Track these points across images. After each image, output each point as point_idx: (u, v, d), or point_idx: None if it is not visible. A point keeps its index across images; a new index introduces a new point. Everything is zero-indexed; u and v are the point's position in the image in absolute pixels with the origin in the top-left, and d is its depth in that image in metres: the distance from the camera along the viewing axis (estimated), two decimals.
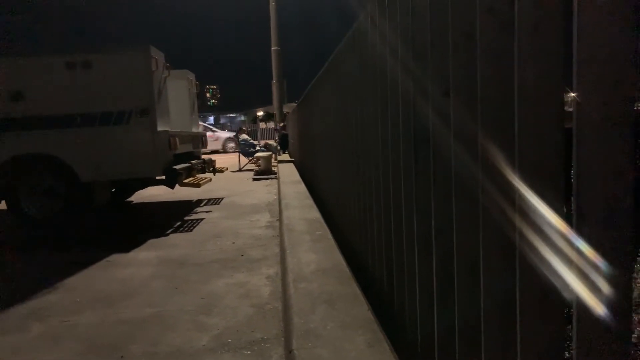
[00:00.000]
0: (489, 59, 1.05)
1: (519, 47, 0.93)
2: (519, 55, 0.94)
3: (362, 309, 2.05)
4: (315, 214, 4.52)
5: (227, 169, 9.56)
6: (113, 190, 6.94)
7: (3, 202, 6.16)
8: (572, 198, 0.81)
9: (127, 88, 5.81)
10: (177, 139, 6.30)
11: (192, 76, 8.37)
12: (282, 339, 2.46)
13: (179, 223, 6.01)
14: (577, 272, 0.82)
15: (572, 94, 0.81)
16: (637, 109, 0.82)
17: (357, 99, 2.54)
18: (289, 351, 1.82)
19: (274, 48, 16.63)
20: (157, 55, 6.07)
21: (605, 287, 0.78)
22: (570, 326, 0.84)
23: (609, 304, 0.78)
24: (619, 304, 0.78)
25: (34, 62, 5.81)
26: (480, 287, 1.11)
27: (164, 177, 6.16)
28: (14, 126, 5.74)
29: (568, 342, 0.88)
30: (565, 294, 0.87)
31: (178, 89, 7.73)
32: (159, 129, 5.89)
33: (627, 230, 0.77)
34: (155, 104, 5.84)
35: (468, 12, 1.11)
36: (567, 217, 0.87)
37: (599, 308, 0.79)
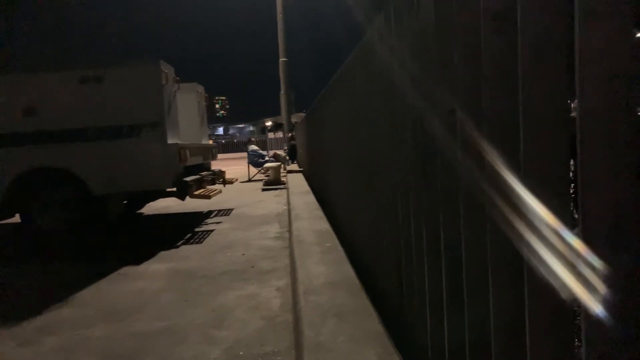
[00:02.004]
0: (494, 77, 1.07)
1: (522, 66, 0.95)
2: (523, 73, 0.96)
3: (372, 322, 2.06)
4: (324, 225, 4.53)
5: (236, 179, 9.63)
6: (125, 202, 7.02)
7: (17, 215, 6.27)
8: (578, 209, 0.83)
9: (138, 102, 5.91)
10: (187, 151, 6.37)
11: (201, 89, 8.47)
12: (293, 351, 2.47)
13: (189, 235, 6.05)
14: (585, 283, 0.83)
15: (575, 106, 0.82)
16: None
17: (365, 112, 2.56)
18: None
19: (281, 59, 16.76)
20: (167, 69, 6.17)
21: (614, 298, 0.79)
22: (580, 338, 0.84)
23: (619, 314, 0.79)
24: (629, 314, 0.78)
25: (46, 76, 5.93)
26: (490, 302, 1.12)
27: (174, 189, 6.23)
28: (27, 140, 5.85)
29: (578, 354, 0.89)
30: (574, 306, 0.88)
31: (187, 102, 7.83)
32: (169, 141, 5.97)
33: (634, 238, 0.78)
34: (165, 117, 5.92)
35: (474, 31, 1.13)
36: (574, 228, 0.89)
37: (608, 319, 0.80)
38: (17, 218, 6.25)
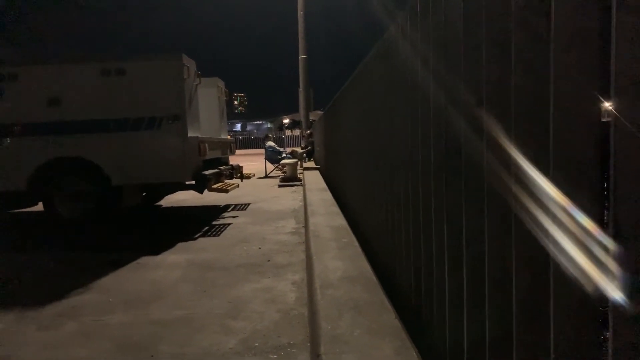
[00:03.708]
0: (523, 70, 1.06)
1: (554, 59, 0.94)
2: (554, 67, 0.94)
3: (389, 317, 2.06)
4: (341, 221, 4.54)
5: (254, 175, 9.68)
6: (144, 194, 7.11)
7: (40, 203, 6.41)
8: (609, 207, 0.81)
9: (159, 95, 5.98)
10: (206, 145, 6.43)
11: (221, 84, 8.53)
12: (308, 344, 2.48)
13: (207, 227, 6.11)
14: (613, 281, 0.81)
15: (609, 105, 0.81)
16: None
17: (386, 108, 2.55)
18: (316, 355, 1.84)
19: (301, 57, 16.78)
20: (189, 64, 6.22)
21: None
22: (606, 336, 0.83)
23: None
24: None
25: (70, 68, 6.04)
26: (513, 299, 1.11)
27: (193, 181, 6.30)
28: (50, 130, 5.97)
29: (604, 353, 0.88)
30: (601, 304, 0.87)
31: (208, 97, 7.89)
32: (189, 135, 6.03)
33: None
34: (186, 110, 5.98)
35: (502, 24, 1.12)
36: (603, 226, 0.87)
37: (635, 310, 0.79)
38: (40, 206, 6.39)
